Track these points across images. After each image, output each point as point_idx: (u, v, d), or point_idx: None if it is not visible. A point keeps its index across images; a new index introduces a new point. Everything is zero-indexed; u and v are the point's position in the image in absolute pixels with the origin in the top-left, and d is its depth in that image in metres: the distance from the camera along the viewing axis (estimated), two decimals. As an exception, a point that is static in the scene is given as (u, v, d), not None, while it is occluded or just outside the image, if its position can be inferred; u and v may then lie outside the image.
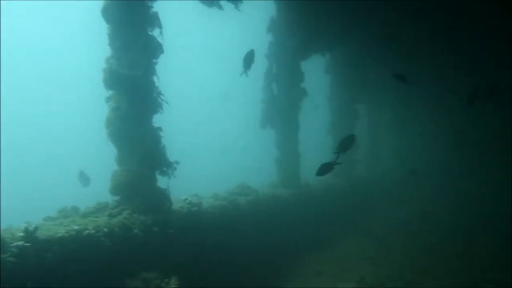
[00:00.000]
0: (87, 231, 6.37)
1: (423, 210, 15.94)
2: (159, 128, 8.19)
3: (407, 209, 16.34)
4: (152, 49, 7.91)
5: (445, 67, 14.52)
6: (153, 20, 7.93)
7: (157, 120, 8.31)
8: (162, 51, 8.06)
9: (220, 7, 10.03)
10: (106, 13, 7.74)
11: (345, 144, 5.98)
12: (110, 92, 7.87)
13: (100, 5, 7.78)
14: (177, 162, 8.23)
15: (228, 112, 49.57)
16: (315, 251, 11.57)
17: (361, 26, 12.48)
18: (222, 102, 48.35)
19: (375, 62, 14.99)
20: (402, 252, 11.42)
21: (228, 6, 10.19)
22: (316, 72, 17.82)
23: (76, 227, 6.31)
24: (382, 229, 13.92)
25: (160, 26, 8.04)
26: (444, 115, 19.50)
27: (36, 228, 5.73)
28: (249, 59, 7.59)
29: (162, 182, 8.26)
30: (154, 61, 8.01)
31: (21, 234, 5.60)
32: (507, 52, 12.29)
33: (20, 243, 5.48)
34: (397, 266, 10.27)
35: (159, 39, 8.02)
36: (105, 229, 6.67)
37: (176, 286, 6.42)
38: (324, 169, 6.52)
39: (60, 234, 6.03)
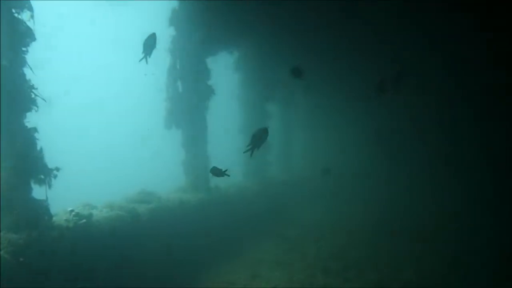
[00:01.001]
0: None
1: (338, 211, 16.11)
2: (34, 129, 6.85)
3: (322, 210, 16.40)
4: (20, 36, 6.56)
5: (356, 60, 14.65)
6: (21, 1, 6.58)
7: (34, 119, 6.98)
8: (33, 39, 6.72)
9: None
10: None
11: (258, 137, 5.38)
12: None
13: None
14: (57, 169, 6.95)
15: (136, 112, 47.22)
16: (225, 260, 10.86)
17: (268, 22, 12.11)
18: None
19: (285, 60, 14.76)
20: (315, 255, 11.20)
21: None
22: (227, 70, 17.27)
23: None
24: (296, 232, 13.70)
25: (30, 9, 6.70)
26: (359, 111, 19.89)
27: None
28: (150, 44, 6.58)
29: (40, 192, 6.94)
30: (24, 49, 6.66)
31: None
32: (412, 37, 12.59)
33: None
34: (310, 270, 9.97)
35: (29, 24, 6.68)
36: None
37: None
38: (216, 172, 6.26)
39: None
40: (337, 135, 21.19)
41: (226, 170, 6.29)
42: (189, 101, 12.16)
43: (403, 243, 11.96)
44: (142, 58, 6.53)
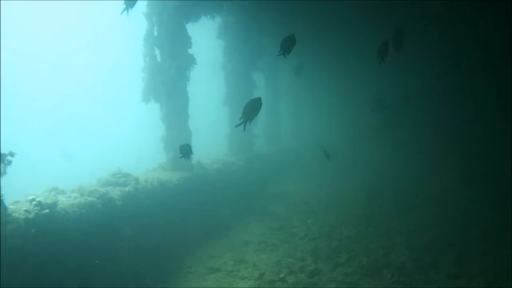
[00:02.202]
0: None
1: (328, 185, 15.56)
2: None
3: (311, 185, 15.82)
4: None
5: (351, 27, 13.67)
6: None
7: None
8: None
9: None
10: None
11: (251, 109, 4.83)
12: None
13: None
14: (12, 154, 6.03)
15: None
16: (210, 242, 10.23)
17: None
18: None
19: (271, 25, 13.72)
20: (304, 235, 10.63)
21: None
22: (211, 37, 16.17)
23: None
24: (285, 208, 13.12)
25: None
26: (349, 79, 19.00)
27: None
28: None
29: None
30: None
31: None
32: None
33: None
34: (300, 253, 9.39)
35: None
36: None
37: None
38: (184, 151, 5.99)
39: None
40: (327, 106, 20.42)
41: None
42: (168, 72, 11.13)
43: (395, 218, 11.49)
44: (124, 10, 6.01)
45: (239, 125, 4.73)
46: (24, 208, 6.35)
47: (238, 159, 13.76)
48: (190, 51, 11.44)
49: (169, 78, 11.05)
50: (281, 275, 8.26)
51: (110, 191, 7.93)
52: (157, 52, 11.30)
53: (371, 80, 16.90)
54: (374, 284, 7.81)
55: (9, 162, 6.02)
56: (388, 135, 16.51)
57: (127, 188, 8.40)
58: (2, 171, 5.99)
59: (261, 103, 4.82)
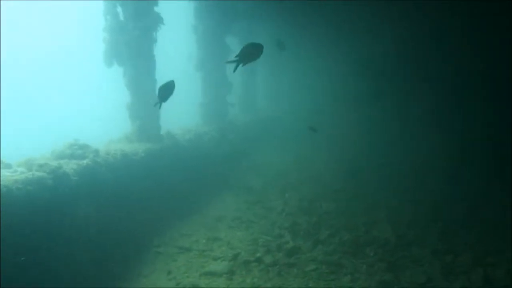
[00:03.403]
0: None
1: (306, 156, 14.94)
2: None
3: (289, 156, 15.17)
4: None
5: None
6: None
7: None
8: None
9: None
10: None
11: (248, 53, 4.69)
12: None
13: None
14: None
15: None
16: (182, 219, 9.50)
17: None
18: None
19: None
20: (282, 210, 10.03)
21: None
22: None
23: None
24: (261, 182, 12.46)
25: None
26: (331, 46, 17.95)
27: None
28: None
29: None
30: None
31: None
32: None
33: None
34: (277, 230, 8.79)
35: None
36: None
37: None
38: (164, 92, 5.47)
39: None
40: (308, 73, 19.46)
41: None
42: (132, 32, 9.98)
43: (376, 192, 11.03)
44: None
45: (230, 62, 4.67)
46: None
47: (210, 129, 12.85)
48: (156, 9, 10.27)
49: (133, 39, 9.90)
50: (258, 255, 7.64)
51: (64, 164, 6.95)
52: (119, 9, 10.08)
53: (356, 44, 16.02)
54: (356, 263, 7.30)
55: None
56: (372, 105, 15.87)
57: (84, 162, 7.44)
58: None
59: (261, 49, 4.63)
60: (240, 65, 4.66)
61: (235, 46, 14.77)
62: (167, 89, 5.36)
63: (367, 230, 8.55)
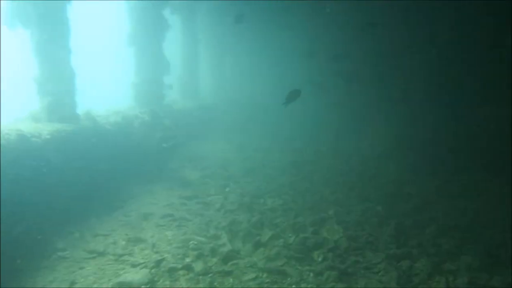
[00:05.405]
0: None
1: (251, 147, 13.79)
2: None
3: (231, 147, 13.93)
4: None
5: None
6: None
7: None
8: None
9: None
10: None
11: (291, 96, 6.31)
12: None
13: None
14: None
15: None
16: (98, 217, 7.93)
17: None
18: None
19: None
20: (221, 206, 8.78)
21: None
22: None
23: None
24: (199, 174, 11.12)
25: None
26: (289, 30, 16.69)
27: None
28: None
29: None
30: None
31: None
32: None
33: None
34: (213, 229, 7.52)
35: None
36: None
37: None
38: None
39: None
40: (261, 58, 18.18)
41: None
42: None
43: (323, 188, 10.12)
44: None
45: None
46: None
47: (142, 112, 11.21)
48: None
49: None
50: (187, 261, 6.35)
51: None
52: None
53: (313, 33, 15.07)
54: (303, 270, 6.22)
55: None
56: (323, 95, 15.00)
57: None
58: None
59: (299, 94, 6.18)
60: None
61: (174, 22, 13.22)
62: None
63: (315, 231, 7.51)
